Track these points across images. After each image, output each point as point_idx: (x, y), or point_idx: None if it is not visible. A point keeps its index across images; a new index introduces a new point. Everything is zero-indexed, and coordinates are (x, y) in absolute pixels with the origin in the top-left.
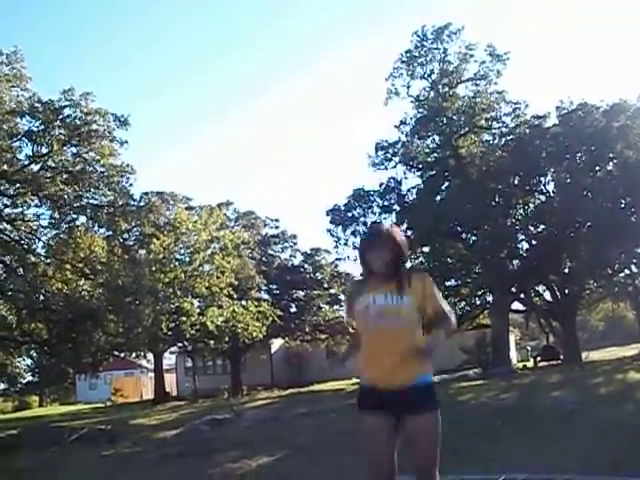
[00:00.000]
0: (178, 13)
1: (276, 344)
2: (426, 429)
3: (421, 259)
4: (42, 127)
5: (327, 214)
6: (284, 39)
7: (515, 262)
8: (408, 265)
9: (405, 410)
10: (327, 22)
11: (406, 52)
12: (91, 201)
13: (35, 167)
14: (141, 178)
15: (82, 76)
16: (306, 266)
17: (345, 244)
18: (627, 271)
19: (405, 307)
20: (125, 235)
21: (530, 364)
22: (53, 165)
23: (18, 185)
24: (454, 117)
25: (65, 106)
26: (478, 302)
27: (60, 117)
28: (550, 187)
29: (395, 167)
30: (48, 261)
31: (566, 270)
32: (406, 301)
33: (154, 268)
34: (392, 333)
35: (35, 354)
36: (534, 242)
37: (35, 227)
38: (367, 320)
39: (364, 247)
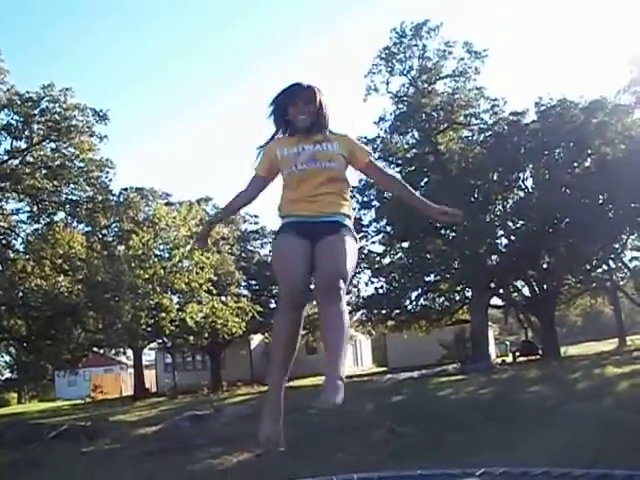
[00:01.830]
0: (155, 4)
1: (256, 340)
2: (339, 244)
3: (400, 255)
4: (21, 121)
5: None
6: (271, 29)
7: (494, 258)
8: (387, 260)
9: (321, 234)
10: (302, 14)
11: (385, 49)
12: (70, 196)
13: (14, 162)
14: (118, 171)
15: (59, 69)
16: None
17: None
18: (605, 267)
19: (336, 152)
20: (104, 231)
21: (509, 359)
22: (32, 160)
23: None
24: (433, 113)
25: (43, 97)
26: (457, 297)
27: (39, 110)
28: (529, 183)
29: None
30: (27, 257)
31: (545, 266)
32: (335, 147)
33: (133, 264)
34: (324, 172)
35: (14, 350)
36: (513, 238)
37: (14, 222)
38: (297, 163)
39: (287, 101)
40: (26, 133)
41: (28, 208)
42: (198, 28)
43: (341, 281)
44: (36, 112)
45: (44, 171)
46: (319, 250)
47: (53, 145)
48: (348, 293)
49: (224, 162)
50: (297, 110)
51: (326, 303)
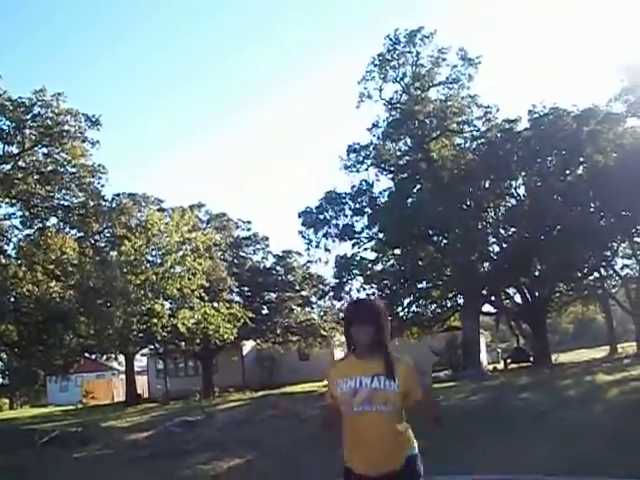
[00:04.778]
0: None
1: (248, 346)
2: None
3: (392, 261)
4: (13, 126)
5: (299, 216)
6: (265, 53)
7: (486, 265)
8: (379, 267)
9: None
10: (301, 41)
11: (379, 55)
12: (62, 202)
13: (6, 167)
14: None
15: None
16: (278, 268)
17: (317, 246)
18: (596, 274)
19: (393, 392)
20: (96, 236)
21: (500, 366)
22: (24, 165)
23: None
24: (426, 120)
25: (35, 103)
26: (449, 304)
27: (31, 115)
28: (521, 190)
29: (367, 170)
30: (19, 262)
31: (536, 273)
32: (393, 385)
33: (125, 270)
34: (379, 420)
35: (5, 356)
36: (505, 245)
37: (6, 228)
38: (353, 404)
39: (350, 321)
40: (18, 138)
41: (20, 213)
42: (201, 57)
43: None
44: (28, 117)
45: (36, 176)
46: None
47: (45, 150)
48: (340, 300)
49: (218, 169)
50: (357, 329)
51: None
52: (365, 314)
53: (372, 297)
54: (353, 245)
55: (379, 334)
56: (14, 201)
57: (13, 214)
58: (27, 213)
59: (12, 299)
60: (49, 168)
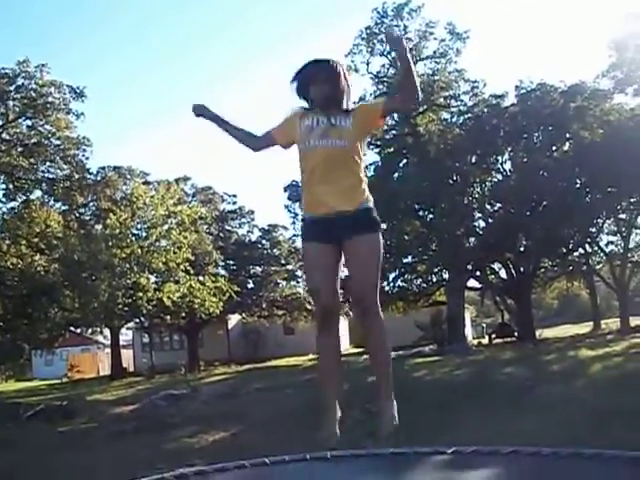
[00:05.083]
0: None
1: (233, 320)
2: (367, 248)
3: None
4: None
5: (285, 190)
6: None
7: (472, 240)
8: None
9: (347, 233)
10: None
11: (366, 29)
12: (47, 175)
13: None
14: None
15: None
16: (263, 242)
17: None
18: (581, 250)
19: (347, 129)
20: (81, 210)
21: (485, 341)
22: (8, 138)
23: None
24: None
25: (19, 74)
26: (434, 279)
27: (14, 87)
28: (507, 166)
29: None
30: (3, 236)
31: (522, 248)
32: (348, 123)
33: (110, 243)
34: (333, 152)
35: None
36: (490, 220)
37: None
38: (309, 139)
39: (307, 79)
40: (1, 110)
41: (4, 186)
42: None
43: (372, 294)
44: (12, 89)
45: (20, 149)
46: (350, 251)
47: (29, 122)
48: None
49: (204, 142)
50: (316, 86)
51: (361, 314)
52: (320, 72)
53: (332, 59)
54: None
55: (335, 93)
56: None
57: None
58: (11, 186)
59: None
60: (33, 140)
